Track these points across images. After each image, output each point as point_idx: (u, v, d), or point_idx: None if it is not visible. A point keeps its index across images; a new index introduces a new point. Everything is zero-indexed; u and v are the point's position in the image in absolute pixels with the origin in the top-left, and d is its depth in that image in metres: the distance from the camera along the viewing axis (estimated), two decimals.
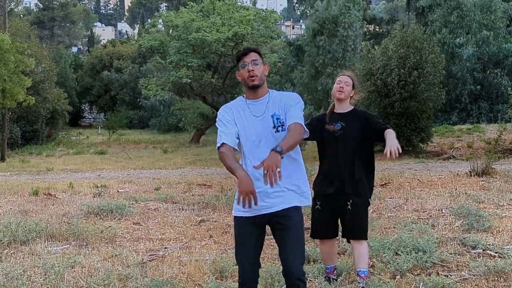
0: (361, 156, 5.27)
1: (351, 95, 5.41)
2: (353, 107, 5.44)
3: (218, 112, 4.11)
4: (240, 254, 4.08)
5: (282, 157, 3.69)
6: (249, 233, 4.05)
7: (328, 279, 5.51)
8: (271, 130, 3.96)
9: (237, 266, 4.14)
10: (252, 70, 3.96)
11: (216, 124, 4.08)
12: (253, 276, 4.07)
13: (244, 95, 4.14)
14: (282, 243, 4.05)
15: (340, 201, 5.23)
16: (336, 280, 5.50)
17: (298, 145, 4.04)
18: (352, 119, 5.30)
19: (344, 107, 5.39)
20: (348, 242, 5.54)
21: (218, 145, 3.93)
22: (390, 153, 4.78)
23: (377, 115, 5.46)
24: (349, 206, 5.18)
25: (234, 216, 4.11)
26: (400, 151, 4.86)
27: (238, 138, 4.00)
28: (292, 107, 4.00)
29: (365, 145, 5.31)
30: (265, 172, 3.61)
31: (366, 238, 5.35)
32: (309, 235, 5.47)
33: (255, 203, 3.67)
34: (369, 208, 5.55)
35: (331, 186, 5.25)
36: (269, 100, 4.05)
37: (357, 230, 5.26)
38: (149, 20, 75.13)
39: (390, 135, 5.02)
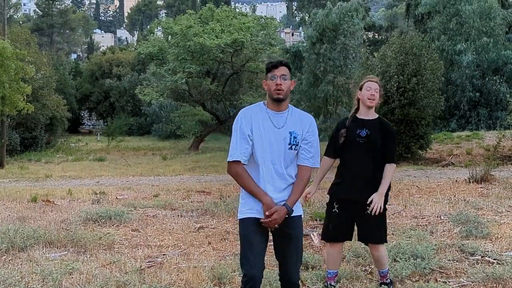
0: (380, 164, 5.31)
1: (378, 101, 5.47)
2: (377, 115, 5.48)
3: (237, 116, 4.20)
4: (248, 252, 4.10)
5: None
6: (256, 232, 4.12)
7: (326, 286, 5.50)
8: (286, 146, 4.11)
9: (240, 268, 4.21)
10: (280, 85, 4.06)
11: (233, 129, 4.19)
12: (261, 273, 4.12)
13: (265, 102, 4.23)
14: (283, 251, 4.20)
15: (359, 207, 5.26)
16: (334, 287, 5.50)
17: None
18: (377, 128, 5.34)
19: (370, 114, 5.42)
20: (366, 244, 5.59)
21: (232, 159, 4.10)
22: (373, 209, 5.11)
23: (394, 135, 5.46)
24: (368, 211, 5.19)
25: (241, 219, 4.20)
26: (381, 210, 5.16)
27: (252, 147, 4.13)
28: (311, 136, 4.19)
29: (382, 148, 5.33)
30: (269, 220, 4.00)
31: (385, 241, 5.46)
32: (320, 238, 5.64)
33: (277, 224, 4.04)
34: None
35: (352, 191, 5.27)
36: (288, 115, 4.17)
37: (376, 235, 5.35)
38: (148, 27, 75.22)
39: (385, 177, 5.26)
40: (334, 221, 5.37)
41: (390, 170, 5.28)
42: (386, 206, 5.41)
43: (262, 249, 4.15)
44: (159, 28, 46.25)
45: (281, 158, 4.10)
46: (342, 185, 5.37)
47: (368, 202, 5.17)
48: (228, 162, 4.12)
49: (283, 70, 4.10)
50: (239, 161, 4.07)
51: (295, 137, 4.10)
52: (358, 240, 5.59)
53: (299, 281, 4.25)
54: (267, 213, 4.00)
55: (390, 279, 5.58)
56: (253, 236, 4.11)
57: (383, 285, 5.52)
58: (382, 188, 5.21)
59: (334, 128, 5.54)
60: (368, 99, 5.37)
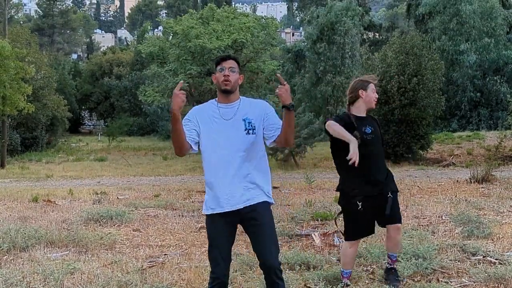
0: (382, 150, 5.58)
1: None
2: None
3: (189, 112, 4.33)
4: (214, 251, 4.22)
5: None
6: (221, 230, 4.20)
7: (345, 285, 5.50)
8: (242, 132, 4.17)
9: (210, 264, 4.27)
10: (228, 75, 4.16)
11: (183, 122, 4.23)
12: (226, 271, 4.24)
13: (217, 98, 4.31)
14: (256, 239, 4.21)
15: (381, 199, 5.36)
16: (349, 285, 5.53)
17: (265, 155, 4.36)
18: (373, 123, 5.50)
19: (362, 112, 5.50)
20: (384, 226, 5.57)
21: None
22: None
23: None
24: (390, 195, 5.37)
25: (206, 215, 4.28)
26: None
27: (198, 139, 4.23)
28: (271, 115, 4.24)
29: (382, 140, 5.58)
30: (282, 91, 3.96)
31: (401, 222, 5.61)
32: (344, 237, 5.56)
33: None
34: None
35: (373, 187, 5.33)
36: (239, 105, 4.24)
37: (397, 216, 5.48)
38: (142, 26, 75.24)
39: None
40: (360, 218, 5.36)
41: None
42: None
43: (228, 247, 4.24)
44: (159, 28, 46.21)
45: (240, 146, 4.15)
46: (362, 182, 5.33)
47: None
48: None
49: (231, 63, 4.20)
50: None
51: (249, 122, 4.17)
52: (379, 225, 5.57)
53: (279, 265, 4.21)
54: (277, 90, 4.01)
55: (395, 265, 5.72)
56: (217, 234, 4.21)
57: (391, 271, 5.64)
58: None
59: (335, 116, 5.49)
60: (374, 101, 5.51)
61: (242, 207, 4.15)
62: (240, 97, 4.30)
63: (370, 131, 5.37)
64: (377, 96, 5.55)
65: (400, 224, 5.54)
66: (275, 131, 4.17)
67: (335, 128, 5.20)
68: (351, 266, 5.62)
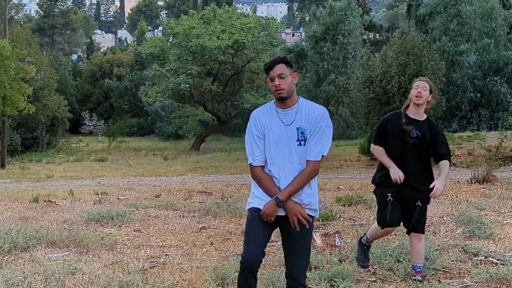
0: (427, 163, 5.60)
1: (428, 100, 5.62)
2: (426, 115, 5.66)
3: (250, 118, 4.25)
4: (247, 236, 4.17)
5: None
6: (259, 219, 4.14)
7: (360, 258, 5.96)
8: (295, 142, 4.11)
9: (242, 250, 4.21)
10: (279, 85, 4.05)
11: (246, 133, 4.23)
12: (256, 256, 4.09)
13: (274, 101, 4.24)
14: (290, 249, 4.20)
15: (411, 200, 5.53)
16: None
17: None
18: (426, 130, 5.55)
19: (420, 114, 5.61)
20: (407, 233, 5.83)
21: (251, 163, 4.21)
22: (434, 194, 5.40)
23: (443, 134, 5.75)
24: (418, 203, 5.52)
25: (248, 208, 4.28)
26: (441, 194, 5.56)
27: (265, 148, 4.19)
28: (320, 131, 4.13)
29: (429, 148, 5.58)
30: (262, 213, 4.09)
31: (424, 232, 5.78)
32: (376, 224, 5.82)
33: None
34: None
35: (405, 186, 5.46)
36: (298, 110, 4.15)
37: (421, 226, 5.66)
38: (138, 27, 75.28)
39: (443, 171, 5.52)
40: (390, 210, 5.55)
41: (445, 165, 5.53)
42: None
43: (262, 236, 4.16)
44: (159, 29, 46.23)
45: (294, 155, 4.10)
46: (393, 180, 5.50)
47: (430, 187, 5.40)
48: (250, 165, 4.22)
49: (279, 68, 4.08)
50: (257, 165, 4.18)
51: (302, 133, 4.09)
52: (405, 227, 5.81)
53: (305, 281, 4.22)
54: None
55: (422, 278, 5.71)
56: (254, 222, 4.15)
57: (416, 281, 5.65)
58: (442, 178, 5.46)
59: (380, 122, 5.75)
60: (416, 97, 5.56)
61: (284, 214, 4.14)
62: (300, 99, 4.22)
63: (416, 135, 5.48)
64: (419, 91, 5.57)
65: (421, 234, 5.68)
66: (307, 155, 4.12)
67: (378, 156, 5.65)
68: (374, 239, 6.01)
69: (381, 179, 5.67)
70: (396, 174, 5.41)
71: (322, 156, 4.14)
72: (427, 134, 5.53)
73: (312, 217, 4.22)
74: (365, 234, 6.03)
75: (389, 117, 5.70)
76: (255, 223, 4.14)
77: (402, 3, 68.81)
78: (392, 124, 5.59)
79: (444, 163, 5.54)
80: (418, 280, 5.63)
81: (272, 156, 4.13)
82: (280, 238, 4.45)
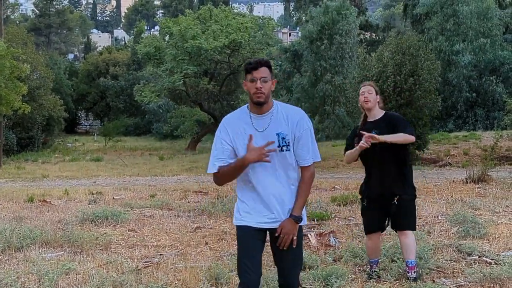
0: (397, 158, 5.66)
1: (377, 101, 5.76)
2: (384, 112, 5.81)
3: (220, 124, 4.05)
4: (244, 259, 3.97)
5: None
6: (253, 238, 3.99)
7: (369, 275, 5.88)
8: (276, 149, 3.91)
9: (237, 272, 4.08)
10: (261, 88, 3.85)
11: (215, 136, 4.05)
12: (257, 279, 3.97)
13: (248, 105, 4.03)
14: (282, 258, 4.06)
15: (387, 200, 5.67)
16: (378, 272, 5.90)
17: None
18: (384, 124, 5.64)
19: (375, 115, 5.77)
20: (396, 232, 5.97)
21: (213, 171, 3.97)
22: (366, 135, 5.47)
23: (401, 119, 5.78)
24: (394, 202, 5.65)
25: (237, 225, 4.06)
26: (378, 140, 5.43)
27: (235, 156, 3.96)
28: (305, 134, 3.97)
29: (398, 148, 5.60)
30: (282, 237, 3.90)
31: (413, 229, 5.85)
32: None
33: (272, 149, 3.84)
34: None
35: (380, 187, 5.68)
36: (273, 115, 3.95)
37: (404, 222, 5.73)
38: (136, 27, 75.21)
39: (396, 135, 5.53)
40: (367, 215, 5.88)
41: (403, 136, 5.51)
42: (416, 194, 5.91)
43: (259, 257, 4.02)
44: (156, 28, 46.17)
45: (275, 162, 3.92)
46: (370, 183, 5.80)
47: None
48: (213, 174, 4.02)
49: (263, 71, 3.87)
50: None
51: (283, 138, 3.90)
52: (391, 228, 5.95)
53: (299, 286, 4.17)
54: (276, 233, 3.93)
55: (416, 275, 5.74)
56: (249, 243, 3.98)
57: (410, 279, 5.69)
58: (388, 136, 5.48)
59: (348, 136, 6.05)
60: (364, 102, 5.73)
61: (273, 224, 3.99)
62: (275, 103, 4.00)
63: (375, 133, 5.53)
64: (365, 96, 5.72)
65: (406, 231, 5.74)
66: (300, 161, 3.99)
67: (347, 159, 5.88)
68: (375, 256, 5.99)
69: (362, 188, 5.94)
70: (365, 143, 5.48)
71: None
72: (385, 127, 5.58)
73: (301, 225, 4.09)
74: (369, 266, 6.07)
75: (350, 135, 6.01)
76: (249, 244, 3.98)
77: (398, 3, 68.86)
78: (352, 136, 5.87)
79: (401, 133, 5.53)
80: (413, 277, 5.65)
81: (252, 165, 3.91)
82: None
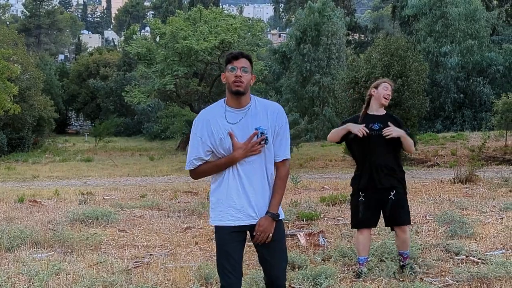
0: (394, 153, 5.84)
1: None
2: (385, 111, 5.92)
3: (195, 119, 3.96)
4: (224, 261, 3.90)
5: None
6: (232, 240, 3.91)
7: (358, 275, 5.84)
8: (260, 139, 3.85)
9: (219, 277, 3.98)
10: (240, 76, 3.79)
11: (191, 135, 3.95)
12: (237, 283, 3.91)
13: (225, 99, 3.95)
14: (267, 254, 3.98)
15: (382, 194, 5.71)
16: (366, 272, 5.86)
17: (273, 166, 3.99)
18: (388, 121, 5.73)
19: (380, 110, 5.86)
20: (392, 230, 6.04)
21: (190, 168, 3.96)
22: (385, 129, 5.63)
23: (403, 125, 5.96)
24: (391, 197, 5.72)
25: (215, 225, 3.99)
26: (393, 134, 5.63)
27: (212, 152, 3.91)
28: (282, 129, 3.94)
29: (398, 143, 5.78)
30: (258, 234, 3.83)
31: (409, 223, 6.04)
32: (351, 227, 6.13)
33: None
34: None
35: (374, 180, 5.69)
36: (251, 109, 3.89)
37: (402, 217, 5.82)
38: (130, 28, 75.06)
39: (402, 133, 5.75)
40: (361, 209, 5.79)
41: (411, 142, 5.84)
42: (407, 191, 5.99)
43: (239, 257, 3.94)
44: (146, 29, 46.10)
45: (256, 156, 3.86)
46: (364, 175, 5.75)
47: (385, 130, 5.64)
48: (189, 171, 3.99)
49: (243, 62, 3.83)
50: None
51: (262, 133, 3.81)
52: (385, 225, 6.09)
53: (285, 283, 4.10)
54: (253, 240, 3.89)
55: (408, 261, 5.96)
56: (228, 245, 3.90)
57: (404, 267, 5.91)
58: (402, 131, 5.73)
59: (341, 122, 6.01)
60: (384, 97, 5.80)
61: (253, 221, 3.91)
62: (252, 97, 3.94)
63: (378, 127, 5.66)
64: (389, 93, 5.82)
65: (403, 226, 5.85)
66: (277, 157, 3.93)
67: (331, 136, 5.88)
68: (364, 253, 5.93)
69: (355, 181, 5.87)
70: (356, 127, 5.60)
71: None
72: (387, 124, 5.72)
73: (281, 219, 4.03)
74: (357, 266, 6.01)
75: (349, 119, 5.98)
76: (229, 246, 3.90)
77: (387, 5, 69.02)
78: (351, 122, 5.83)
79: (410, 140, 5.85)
80: (406, 265, 5.90)
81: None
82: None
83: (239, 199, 3.87)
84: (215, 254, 4.02)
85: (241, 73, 3.80)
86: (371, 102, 5.88)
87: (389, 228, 6.14)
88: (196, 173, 3.98)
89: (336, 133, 5.81)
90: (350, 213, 6.08)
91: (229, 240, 3.91)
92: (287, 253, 4.20)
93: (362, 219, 5.83)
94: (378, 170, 5.68)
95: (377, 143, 5.65)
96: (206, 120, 3.90)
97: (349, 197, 6.08)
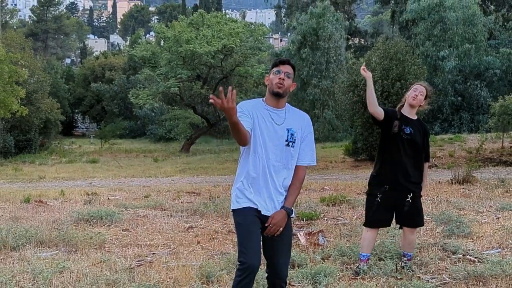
0: (419, 161, 5.86)
1: (421, 104, 5.89)
2: (416, 116, 5.95)
3: (238, 107, 3.98)
4: (247, 241, 4.00)
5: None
6: (254, 222, 4.06)
7: (356, 273, 5.84)
8: (283, 142, 4.09)
9: (238, 257, 4.06)
10: (283, 80, 4.04)
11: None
12: (258, 262, 4.01)
13: (264, 98, 4.19)
14: (274, 250, 4.15)
15: (401, 195, 5.73)
16: (365, 270, 5.85)
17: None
18: (418, 128, 5.83)
19: (412, 114, 5.89)
20: (400, 228, 6.11)
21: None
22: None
23: (429, 136, 6.15)
24: (409, 199, 5.74)
25: (238, 209, 4.10)
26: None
27: (251, 141, 4.06)
28: (308, 136, 4.19)
29: (427, 146, 6.01)
30: (270, 226, 4.00)
31: (423, 225, 6.21)
32: (363, 223, 6.06)
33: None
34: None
35: (395, 181, 5.72)
36: (287, 112, 4.15)
37: (416, 220, 5.88)
38: (135, 32, 75.21)
39: (426, 173, 5.95)
40: (376, 208, 5.79)
41: (426, 167, 5.96)
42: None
43: (259, 240, 4.10)
44: (151, 34, 46.19)
45: (279, 154, 4.08)
46: (385, 176, 5.78)
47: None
48: None
49: (288, 68, 4.09)
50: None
51: (292, 134, 4.09)
52: (396, 223, 6.04)
53: (287, 279, 4.24)
54: (266, 231, 4.02)
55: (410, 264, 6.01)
56: (251, 225, 4.04)
57: (408, 267, 5.92)
58: (425, 181, 5.93)
59: (387, 108, 5.99)
60: (412, 98, 5.84)
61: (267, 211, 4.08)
62: (286, 104, 4.20)
63: (409, 131, 5.73)
64: (416, 94, 5.84)
65: (415, 228, 5.94)
66: (299, 160, 4.17)
67: (370, 105, 5.76)
68: (368, 250, 5.94)
69: (375, 179, 5.87)
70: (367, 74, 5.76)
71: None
72: (419, 132, 5.82)
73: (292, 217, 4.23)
74: (358, 261, 6.03)
75: (388, 109, 5.96)
76: (251, 227, 4.03)
77: (386, 10, 68.96)
78: (391, 118, 5.80)
79: (426, 164, 5.96)
80: (410, 266, 5.91)
81: (257, 149, 4.05)
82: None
83: (265, 190, 4.12)
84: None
85: (284, 77, 4.07)
86: (405, 103, 5.95)
87: (386, 228, 6.17)
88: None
89: (373, 98, 5.72)
90: (364, 211, 6.13)
91: (253, 221, 4.08)
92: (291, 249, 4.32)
93: (375, 218, 5.85)
94: (402, 172, 5.72)
95: (406, 147, 5.73)
96: (250, 107, 4.10)
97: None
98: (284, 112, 4.12)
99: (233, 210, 4.16)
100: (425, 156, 5.95)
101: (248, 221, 4.06)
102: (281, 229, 4.01)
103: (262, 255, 4.15)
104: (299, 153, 4.14)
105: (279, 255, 4.14)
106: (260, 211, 4.06)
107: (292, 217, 4.21)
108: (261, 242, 4.14)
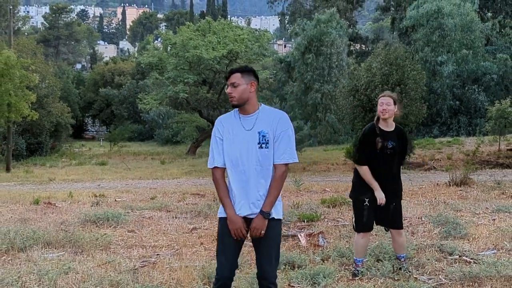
0: (399, 167, 5.97)
1: (395, 111, 5.83)
2: (394, 124, 5.90)
3: (215, 124, 4.22)
4: (220, 252, 4.12)
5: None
6: (228, 233, 4.09)
7: (354, 274, 5.82)
8: (256, 145, 4.03)
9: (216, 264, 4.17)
10: (230, 93, 4.07)
11: (211, 138, 4.21)
12: (229, 274, 4.10)
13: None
14: (260, 250, 4.14)
15: (387, 199, 5.75)
16: (363, 272, 5.85)
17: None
18: (397, 137, 5.83)
19: (389, 125, 5.86)
20: (386, 231, 6.15)
21: (211, 167, 4.19)
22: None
23: (407, 140, 6.12)
24: (392, 204, 5.82)
25: (220, 217, 4.20)
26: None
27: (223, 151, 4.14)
28: (282, 134, 4.07)
29: (404, 153, 6.03)
30: (251, 230, 4.02)
31: (403, 227, 6.12)
32: (354, 229, 6.02)
33: (244, 236, 4.04)
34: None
35: (382, 188, 5.75)
36: (258, 116, 4.09)
37: (397, 223, 5.94)
38: (144, 39, 75.33)
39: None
40: (366, 214, 5.81)
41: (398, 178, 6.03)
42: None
43: (234, 250, 4.13)
44: (159, 40, 46.24)
45: (255, 158, 4.03)
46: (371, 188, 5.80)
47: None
48: (212, 170, 4.20)
49: (233, 78, 4.08)
50: (217, 167, 4.16)
51: (263, 136, 4.03)
52: (377, 224, 6.04)
53: (276, 280, 4.15)
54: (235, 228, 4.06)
55: (406, 264, 6.01)
56: (226, 237, 4.09)
57: (403, 268, 5.89)
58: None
59: (361, 136, 5.91)
60: (382, 113, 5.78)
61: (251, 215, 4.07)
62: (261, 106, 4.17)
63: (391, 146, 5.75)
64: (384, 108, 5.76)
65: (401, 230, 5.98)
66: (274, 159, 4.09)
67: (365, 175, 5.78)
68: (363, 255, 5.97)
69: (364, 189, 5.84)
70: (380, 195, 5.71)
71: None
72: (398, 142, 5.81)
73: (278, 220, 4.17)
74: (354, 266, 5.99)
75: (367, 133, 5.85)
76: (225, 238, 4.11)
77: (387, 17, 68.87)
78: (370, 139, 5.78)
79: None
80: (404, 267, 5.89)
81: (232, 159, 4.07)
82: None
83: (245, 195, 4.11)
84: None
85: (231, 90, 4.08)
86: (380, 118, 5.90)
87: (383, 228, 6.17)
88: (213, 177, 4.29)
89: (367, 177, 5.78)
90: (352, 216, 6.06)
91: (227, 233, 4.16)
92: (279, 251, 4.24)
93: (367, 223, 5.84)
94: (386, 182, 5.76)
95: (389, 159, 5.77)
96: (220, 122, 4.19)
97: (350, 200, 6.16)
98: (255, 116, 4.08)
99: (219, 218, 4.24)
100: (403, 160, 6.07)
101: (223, 232, 4.13)
102: (262, 232, 4.01)
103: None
104: (274, 152, 4.07)
105: (262, 256, 4.12)
106: (245, 216, 4.07)
107: (280, 219, 4.18)
108: (239, 249, 4.19)
